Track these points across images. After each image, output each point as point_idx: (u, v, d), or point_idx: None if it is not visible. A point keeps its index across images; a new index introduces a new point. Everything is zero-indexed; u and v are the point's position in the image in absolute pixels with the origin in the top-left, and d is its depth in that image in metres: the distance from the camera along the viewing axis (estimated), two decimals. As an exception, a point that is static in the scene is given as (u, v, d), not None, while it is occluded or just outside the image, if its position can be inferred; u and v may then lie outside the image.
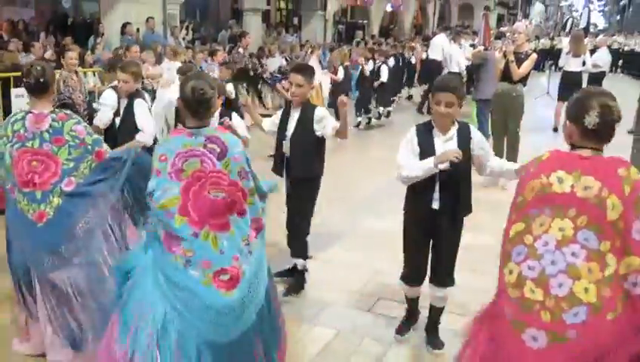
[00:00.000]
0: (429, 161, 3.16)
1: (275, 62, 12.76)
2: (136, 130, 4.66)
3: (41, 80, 3.20)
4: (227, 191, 2.58)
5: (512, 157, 7.02)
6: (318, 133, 4.03)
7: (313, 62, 10.50)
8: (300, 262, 4.25)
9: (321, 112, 4.05)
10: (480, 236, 4.56)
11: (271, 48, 13.36)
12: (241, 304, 2.55)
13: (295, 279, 4.27)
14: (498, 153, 7.17)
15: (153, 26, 12.05)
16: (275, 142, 4.23)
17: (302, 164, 4.06)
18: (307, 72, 4.13)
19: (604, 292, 2.13)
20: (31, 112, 3.17)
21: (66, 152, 3.15)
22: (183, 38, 13.41)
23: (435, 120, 3.30)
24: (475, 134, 3.34)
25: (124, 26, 11.56)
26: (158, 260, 2.55)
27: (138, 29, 11.84)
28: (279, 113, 4.27)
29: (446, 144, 3.25)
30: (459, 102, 3.21)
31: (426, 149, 3.25)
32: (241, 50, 11.34)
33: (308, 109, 4.07)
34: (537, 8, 38.00)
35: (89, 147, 3.22)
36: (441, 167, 3.14)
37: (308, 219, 4.21)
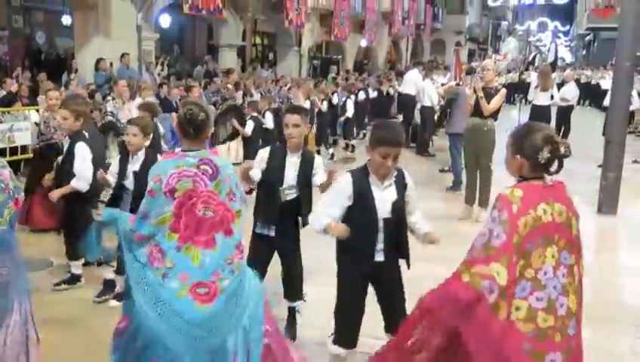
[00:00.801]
0: (322, 225, 3.09)
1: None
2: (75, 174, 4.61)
3: None
4: (215, 210, 2.72)
5: (485, 190, 7.12)
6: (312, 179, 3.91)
7: (300, 98, 10.60)
8: (298, 303, 4.14)
9: (319, 160, 3.96)
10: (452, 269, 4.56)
11: (247, 83, 13.45)
12: (216, 317, 2.64)
13: (290, 323, 4.12)
14: (472, 186, 7.28)
15: (128, 61, 12.08)
16: (264, 190, 3.89)
17: (308, 212, 3.82)
18: (303, 110, 4.01)
19: (577, 299, 2.44)
20: None
21: None
22: (159, 74, 13.45)
23: (375, 170, 3.13)
24: (409, 180, 3.28)
25: (98, 61, 11.57)
26: (139, 276, 2.70)
27: (112, 64, 11.86)
28: (264, 156, 3.89)
29: (384, 192, 3.15)
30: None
31: (364, 198, 3.12)
32: (230, 86, 11.66)
33: (307, 155, 3.91)
34: (512, 44, 39.12)
35: (11, 193, 3.03)
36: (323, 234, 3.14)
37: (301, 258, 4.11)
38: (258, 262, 3.70)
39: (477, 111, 6.99)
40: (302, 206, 3.87)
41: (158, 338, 2.60)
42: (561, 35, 61.17)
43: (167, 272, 2.65)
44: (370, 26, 24.44)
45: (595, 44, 39.62)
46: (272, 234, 3.93)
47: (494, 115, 7.04)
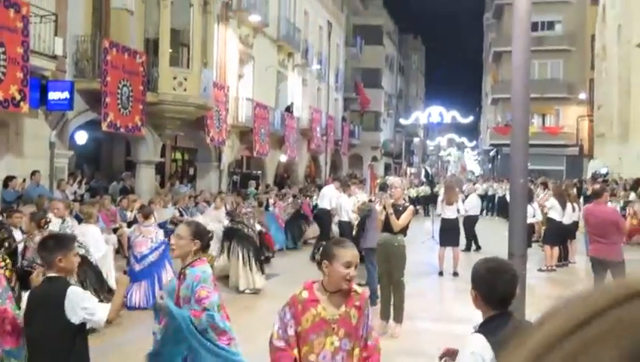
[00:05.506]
0: None
1: (167, 213, 12.71)
2: None
3: None
4: None
5: (399, 303, 7.22)
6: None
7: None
8: None
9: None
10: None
11: (163, 199, 13.35)
12: None
13: None
14: (386, 301, 7.35)
15: (39, 179, 11.74)
16: None
17: None
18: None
19: None
20: None
21: None
22: (74, 192, 13.14)
23: None
24: None
25: (9, 179, 11.18)
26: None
27: (24, 180, 11.50)
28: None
29: None
30: None
31: None
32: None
33: None
34: (467, 156, 41.95)
35: None
36: None
37: None
38: None
39: (387, 226, 7.24)
40: None
41: None
42: (469, 149, 65.70)
43: (235, 343, 3.78)
44: (291, 143, 25.31)
45: (499, 158, 42.60)
46: None
47: (404, 230, 7.31)
